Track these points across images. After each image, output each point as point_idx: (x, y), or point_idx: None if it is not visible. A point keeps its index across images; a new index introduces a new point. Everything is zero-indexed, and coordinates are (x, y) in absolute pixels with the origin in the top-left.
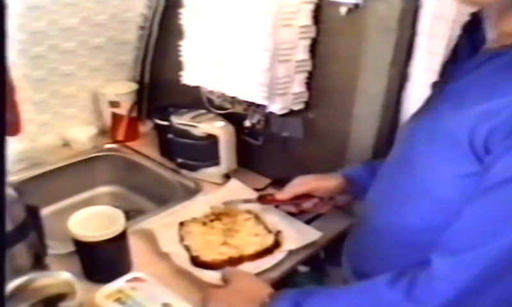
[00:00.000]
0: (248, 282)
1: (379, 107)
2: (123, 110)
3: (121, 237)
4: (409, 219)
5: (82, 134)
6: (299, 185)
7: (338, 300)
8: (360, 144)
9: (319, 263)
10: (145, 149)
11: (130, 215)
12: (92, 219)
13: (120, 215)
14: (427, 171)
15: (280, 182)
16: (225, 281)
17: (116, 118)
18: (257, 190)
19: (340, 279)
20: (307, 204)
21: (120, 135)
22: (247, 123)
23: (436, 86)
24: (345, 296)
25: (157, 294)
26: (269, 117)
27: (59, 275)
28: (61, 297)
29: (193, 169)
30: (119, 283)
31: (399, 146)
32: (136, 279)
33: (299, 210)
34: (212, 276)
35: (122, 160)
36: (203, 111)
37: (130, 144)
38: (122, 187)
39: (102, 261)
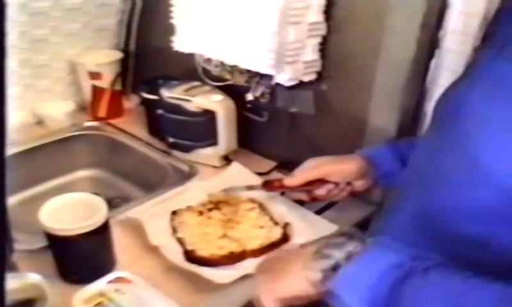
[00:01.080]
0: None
1: (405, 78)
2: (105, 82)
3: (103, 230)
4: (466, 212)
5: (57, 110)
6: (312, 168)
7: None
8: (381, 122)
9: None
10: (131, 127)
11: (113, 203)
12: (68, 209)
13: (101, 204)
14: (489, 152)
15: (287, 165)
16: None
17: (97, 91)
18: (261, 174)
19: None
20: (320, 191)
21: (102, 112)
22: (249, 97)
23: (479, 50)
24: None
25: (146, 297)
26: (275, 89)
27: (27, 278)
28: (29, 303)
29: (187, 150)
30: (100, 285)
31: (440, 122)
32: (120, 280)
33: (310, 197)
34: (210, 274)
35: (104, 140)
36: (198, 83)
37: (113, 121)
38: (104, 170)
39: (80, 258)
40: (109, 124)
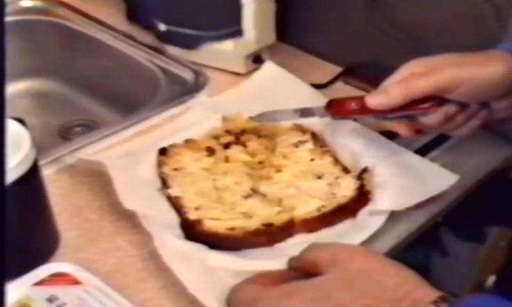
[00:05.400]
0: (377, 266)
1: None
2: None
3: (26, 182)
4: None
5: None
6: (419, 77)
7: None
8: None
9: (428, 229)
10: (99, 9)
11: (72, 133)
12: None
13: (23, 137)
14: None
15: (361, 73)
16: (314, 268)
17: None
18: (317, 87)
19: (473, 264)
20: (432, 119)
21: None
22: None
23: None
24: None
25: None
26: None
27: None
28: None
29: (190, 44)
30: (22, 288)
31: None
32: (59, 279)
33: (413, 129)
34: (232, 263)
35: (56, 30)
36: None
37: (69, 0)
38: (57, 81)
39: None
40: (63, 4)
